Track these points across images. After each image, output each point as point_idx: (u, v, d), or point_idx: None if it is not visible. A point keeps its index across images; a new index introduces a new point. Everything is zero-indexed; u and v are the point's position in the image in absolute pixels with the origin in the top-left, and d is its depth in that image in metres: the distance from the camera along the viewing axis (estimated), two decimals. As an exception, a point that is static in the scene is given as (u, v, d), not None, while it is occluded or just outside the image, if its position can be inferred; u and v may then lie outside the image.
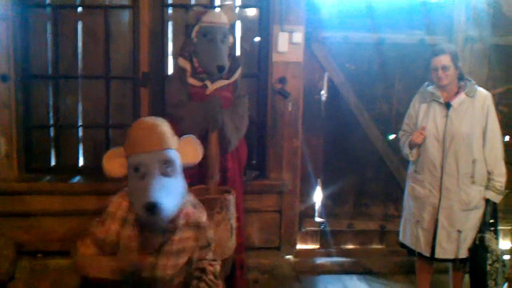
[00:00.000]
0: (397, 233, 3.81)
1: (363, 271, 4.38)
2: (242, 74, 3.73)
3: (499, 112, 4.16)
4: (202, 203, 3.11)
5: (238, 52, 4.18)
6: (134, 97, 4.17)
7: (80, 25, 4.16)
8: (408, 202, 3.67)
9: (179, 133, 2.77)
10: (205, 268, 2.51)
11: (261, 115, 4.26)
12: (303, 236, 4.49)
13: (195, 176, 3.51)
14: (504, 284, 3.38)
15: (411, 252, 3.66)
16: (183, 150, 2.48)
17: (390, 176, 4.47)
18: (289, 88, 4.10)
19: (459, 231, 3.42)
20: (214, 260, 2.61)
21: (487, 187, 3.44)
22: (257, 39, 4.29)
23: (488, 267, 3.38)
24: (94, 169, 4.10)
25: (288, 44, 4.04)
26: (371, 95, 4.43)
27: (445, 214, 3.44)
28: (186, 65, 3.55)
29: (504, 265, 3.41)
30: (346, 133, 4.45)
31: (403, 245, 3.73)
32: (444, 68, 3.39)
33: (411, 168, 3.65)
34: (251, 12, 4.28)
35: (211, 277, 2.50)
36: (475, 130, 3.40)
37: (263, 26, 4.20)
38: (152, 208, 2.22)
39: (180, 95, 3.55)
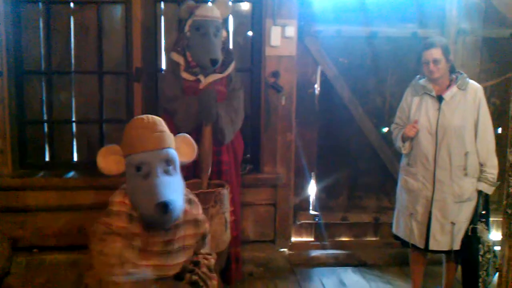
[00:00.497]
0: (391, 225, 3.83)
1: (357, 263, 4.41)
2: (235, 68, 3.73)
3: (492, 105, 4.22)
4: (197, 197, 3.14)
5: (231, 46, 4.18)
6: (127, 92, 4.17)
7: (72, 21, 4.15)
8: (401, 195, 3.69)
9: (174, 127, 2.79)
10: (199, 261, 2.52)
11: (255, 109, 4.27)
12: (298, 229, 4.51)
13: (190, 170, 3.53)
14: (495, 274, 3.41)
15: (404, 243, 3.68)
16: (179, 149, 2.50)
17: (383, 169, 4.49)
18: (282, 82, 4.11)
19: (453, 223, 3.44)
20: (209, 253, 2.62)
21: (479, 179, 3.45)
22: (250, 33, 4.29)
23: (480, 258, 3.41)
24: (88, 164, 4.10)
25: (280, 38, 4.05)
26: (364, 88, 4.44)
27: (439, 207, 3.46)
28: (180, 60, 3.56)
29: (495, 256, 3.44)
30: (340, 127, 4.47)
31: (396, 237, 3.76)
32: (435, 61, 3.40)
33: (403, 161, 3.66)
34: (244, 6, 4.28)
35: (205, 269, 2.50)
36: (467, 123, 3.41)
37: (256, 20, 4.21)
38: (165, 207, 2.23)
39: (174, 90, 3.56)
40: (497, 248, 3.22)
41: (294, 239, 4.47)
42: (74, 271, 3.84)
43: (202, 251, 2.59)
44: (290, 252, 4.34)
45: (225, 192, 3.36)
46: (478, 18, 4.37)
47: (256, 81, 4.26)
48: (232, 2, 4.21)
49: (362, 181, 4.56)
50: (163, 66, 4.22)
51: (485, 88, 3.57)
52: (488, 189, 3.45)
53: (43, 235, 4.03)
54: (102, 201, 2.69)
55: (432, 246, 3.50)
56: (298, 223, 4.49)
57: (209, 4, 3.68)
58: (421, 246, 3.54)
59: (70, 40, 4.16)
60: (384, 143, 4.41)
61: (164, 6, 4.19)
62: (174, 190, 2.34)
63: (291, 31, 4.05)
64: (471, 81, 3.49)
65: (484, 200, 3.49)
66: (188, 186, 3.33)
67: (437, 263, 3.93)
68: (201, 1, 4.06)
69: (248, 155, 4.35)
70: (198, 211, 2.58)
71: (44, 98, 4.20)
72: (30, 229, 4.02)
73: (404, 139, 3.55)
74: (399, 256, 4.35)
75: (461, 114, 3.41)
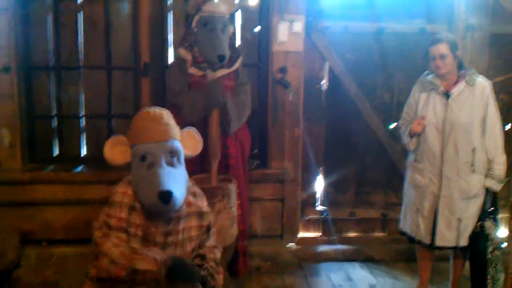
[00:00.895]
0: (398, 220, 3.83)
1: (365, 259, 4.41)
2: (242, 63, 3.74)
3: (500, 101, 4.17)
4: (204, 192, 3.15)
5: (238, 42, 4.19)
6: (135, 87, 4.20)
7: (81, 16, 4.17)
8: (408, 191, 3.69)
9: (181, 121, 2.80)
10: (205, 255, 2.54)
11: (262, 104, 4.28)
12: (305, 224, 4.52)
13: (197, 163, 3.54)
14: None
15: (411, 239, 3.68)
16: (184, 142, 2.52)
17: (391, 164, 4.48)
18: (290, 78, 4.12)
19: (459, 220, 3.44)
20: (215, 246, 2.63)
21: (487, 176, 3.44)
22: (257, 29, 4.30)
23: (489, 255, 3.41)
24: (96, 159, 4.13)
25: (288, 33, 4.05)
26: (371, 84, 4.44)
27: (445, 203, 3.45)
28: (187, 55, 3.57)
29: (504, 253, 3.43)
30: (347, 122, 4.47)
31: (403, 233, 3.76)
32: (442, 56, 3.40)
33: (411, 157, 3.66)
34: (252, 1, 4.28)
35: (212, 263, 2.52)
36: (475, 119, 3.40)
37: (263, 16, 4.22)
38: (166, 196, 2.25)
39: (181, 84, 3.57)
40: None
41: (301, 234, 4.47)
42: (82, 264, 3.85)
43: (208, 244, 2.60)
44: (298, 247, 4.36)
45: (232, 187, 3.36)
46: (486, 14, 4.35)
47: (263, 77, 4.26)
48: (240, -3, 4.23)
49: (369, 177, 4.55)
50: (170, 61, 4.23)
51: (493, 84, 3.55)
52: (496, 186, 3.44)
53: (52, 229, 4.06)
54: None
55: (438, 242, 3.50)
56: (306, 218, 4.49)
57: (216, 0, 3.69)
58: (427, 242, 3.54)
59: (78, 35, 4.19)
60: (391, 138, 4.40)
61: (172, 1, 4.21)
62: (177, 181, 2.36)
63: (298, 26, 4.05)
64: (480, 77, 3.48)
65: (492, 196, 3.48)
66: (196, 180, 3.36)
67: (445, 260, 3.93)
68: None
69: (256, 150, 4.36)
70: (202, 203, 2.59)
71: (53, 93, 4.22)
72: (39, 223, 4.05)
73: (411, 134, 3.55)
74: (406, 252, 4.34)
75: (469, 110, 3.40)
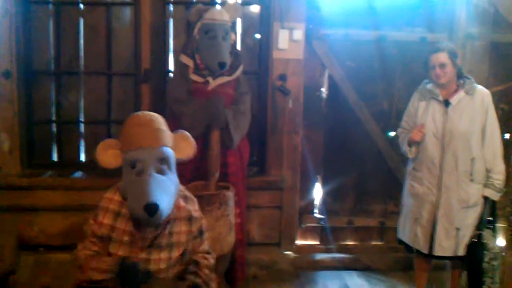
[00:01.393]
0: (397, 229, 3.82)
1: (362, 267, 4.40)
2: (243, 70, 3.75)
3: (499, 110, 4.19)
4: (202, 199, 3.16)
5: (239, 49, 4.20)
6: (135, 94, 4.20)
7: (82, 22, 4.19)
8: (407, 199, 3.68)
9: (179, 127, 2.81)
10: (199, 262, 2.53)
11: (262, 111, 4.28)
12: (303, 232, 4.51)
13: (196, 172, 3.56)
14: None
15: (409, 249, 3.68)
16: (177, 146, 2.51)
17: (390, 173, 4.48)
18: (290, 85, 4.12)
19: (458, 229, 3.43)
20: (208, 252, 2.63)
21: (485, 185, 3.44)
22: (257, 36, 4.31)
23: (485, 265, 3.40)
24: (95, 165, 4.08)
25: (288, 41, 4.06)
26: (371, 92, 4.44)
27: (444, 212, 3.44)
28: (189, 62, 3.58)
29: (501, 263, 3.43)
30: (347, 130, 4.46)
31: (401, 242, 3.75)
32: (442, 65, 3.40)
33: (410, 166, 3.66)
34: (252, 9, 4.29)
35: (206, 271, 2.52)
36: (474, 128, 3.40)
37: (264, 23, 4.22)
38: (152, 209, 2.24)
39: (181, 92, 3.58)
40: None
41: (299, 242, 4.46)
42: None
43: (201, 249, 2.60)
44: (295, 255, 4.34)
45: (230, 194, 3.37)
46: (487, 23, 4.35)
47: (263, 84, 4.27)
48: (241, 4, 4.22)
49: (368, 185, 4.54)
50: (171, 68, 4.24)
51: (493, 93, 3.55)
52: (495, 195, 3.44)
53: (50, 235, 4.05)
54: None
55: (437, 251, 3.49)
56: (304, 226, 4.49)
57: (218, 7, 3.70)
58: (425, 251, 3.53)
59: (79, 41, 4.20)
60: (390, 147, 4.40)
61: (173, 8, 4.22)
62: (164, 190, 2.34)
63: (299, 34, 4.05)
64: (479, 86, 3.48)
65: (490, 206, 3.47)
66: (195, 187, 3.38)
67: (442, 269, 3.92)
68: (210, 4, 4.10)
69: (255, 158, 4.36)
70: (193, 208, 2.59)
71: (52, 98, 4.24)
72: (37, 228, 4.04)
73: (410, 143, 3.55)
74: (404, 261, 4.33)
75: (468, 119, 3.40)
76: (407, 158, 3.68)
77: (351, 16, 4.32)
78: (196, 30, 3.57)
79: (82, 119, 4.28)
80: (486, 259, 3.38)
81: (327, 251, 4.49)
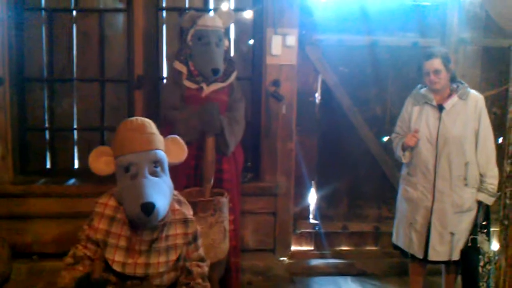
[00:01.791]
0: (391, 234, 3.82)
1: (357, 273, 4.39)
2: (236, 76, 3.75)
3: (493, 114, 4.21)
4: (196, 205, 3.15)
5: (232, 55, 4.21)
6: (129, 100, 4.19)
7: (75, 28, 4.18)
8: (401, 204, 3.68)
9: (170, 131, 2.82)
10: (192, 271, 2.54)
11: (255, 117, 4.28)
12: (298, 238, 4.50)
13: (191, 178, 3.55)
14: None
15: (404, 253, 3.68)
16: (168, 150, 2.54)
17: (383, 178, 4.48)
18: (283, 91, 4.12)
19: (452, 234, 3.44)
20: (202, 259, 2.64)
21: (479, 189, 3.45)
22: (251, 42, 4.31)
23: (480, 269, 3.41)
24: (89, 172, 4.07)
25: (281, 47, 4.06)
26: (364, 97, 4.45)
27: (438, 217, 3.45)
28: (183, 68, 3.58)
29: (495, 267, 3.43)
30: (340, 135, 4.47)
31: (396, 247, 3.75)
32: (436, 71, 3.41)
33: (404, 171, 3.66)
34: (245, 15, 4.30)
35: (199, 280, 2.53)
36: (468, 133, 3.42)
37: (257, 29, 4.23)
38: (149, 208, 2.27)
39: (175, 98, 3.58)
40: (497, 259, 3.22)
41: (293, 248, 4.45)
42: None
43: (195, 256, 2.61)
44: (290, 261, 4.33)
45: (225, 201, 3.36)
46: (479, 28, 4.39)
47: (256, 90, 4.27)
48: (234, 10, 4.23)
49: (362, 190, 4.54)
50: (165, 74, 4.24)
51: (486, 98, 3.57)
52: (488, 200, 3.45)
53: (43, 242, 4.04)
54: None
55: (431, 256, 3.49)
56: (298, 232, 4.48)
57: (211, 13, 3.70)
58: (420, 256, 3.53)
59: (72, 47, 4.20)
60: (384, 152, 4.41)
61: (166, 14, 4.22)
62: (160, 191, 2.37)
63: (292, 40, 4.06)
64: (472, 91, 3.50)
65: (484, 210, 3.48)
66: (189, 194, 3.37)
67: (437, 274, 3.92)
68: (203, 10, 4.10)
69: (249, 163, 4.36)
70: (188, 211, 2.61)
71: (45, 105, 4.23)
72: (30, 236, 4.03)
73: (404, 148, 3.55)
74: (398, 266, 4.33)
75: (462, 123, 3.41)
76: (401, 163, 3.68)
77: (344, 21, 4.33)
78: (189, 37, 3.58)
79: (75, 125, 4.27)
80: (480, 263, 3.39)
81: (322, 256, 4.47)
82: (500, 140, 4.24)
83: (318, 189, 4.51)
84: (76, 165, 4.31)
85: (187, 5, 4.23)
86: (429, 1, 4.36)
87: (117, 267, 2.40)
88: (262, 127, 4.20)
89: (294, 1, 4.07)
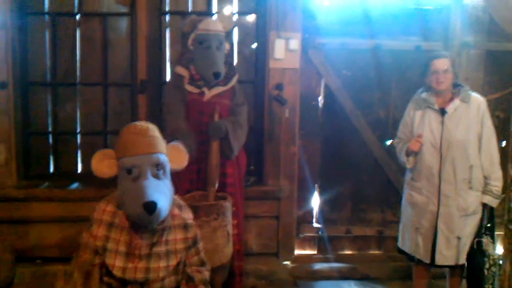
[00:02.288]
0: (395, 238, 3.82)
1: (360, 277, 4.38)
2: (239, 80, 3.75)
3: (495, 118, 4.20)
4: (200, 209, 3.15)
5: (235, 59, 4.22)
6: (132, 104, 4.20)
7: (78, 33, 4.19)
8: (406, 209, 3.67)
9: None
10: (194, 277, 2.55)
11: (258, 121, 4.28)
12: (301, 242, 4.50)
13: (194, 183, 3.55)
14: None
15: (410, 257, 3.67)
16: (170, 156, 2.56)
17: (387, 181, 4.47)
18: (286, 94, 4.12)
19: (459, 238, 3.42)
20: (203, 263, 2.65)
21: (484, 192, 3.44)
22: (254, 45, 4.31)
23: (486, 272, 3.40)
24: (92, 176, 4.06)
25: (284, 50, 4.06)
26: (367, 101, 4.45)
27: (444, 221, 3.44)
28: (184, 73, 3.59)
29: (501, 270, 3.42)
30: (343, 139, 4.46)
31: (401, 251, 3.74)
32: (445, 71, 3.41)
33: (408, 176, 3.65)
34: (248, 19, 4.31)
35: (202, 287, 2.54)
36: (471, 136, 3.41)
37: (260, 33, 4.23)
38: (151, 207, 2.29)
39: (177, 103, 3.58)
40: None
41: (297, 252, 4.44)
42: None
43: (196, 261, 2.61)
44: (293, 265, 4.32)
45: (228, 205, 3.36)
46: (482, 31, 4.39)
47: (260, 93, 4.27)
48: (237, 14, 4.25)
49: (365, 194, 4.54)
50: (168, 79, 4.24)
51: (489, 101, 3.57)
52: (493, 202, 3.44)
53: (47, 246, 4.04)
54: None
55: (438, 260, 3.48)
56: (301, 236, 4.47)
57: (212, 17, 3.70)
58: (427, 260, 3.52)
59: (76, 52, 4.20)
60: (387, 155, 4.40)
61: (169, 18, 4.22)
62: (161, 192, 2.40)
63: (295, 43, 4.06)
64: (474, 94, 3.49)
65: (489, 213, 3.48)
66: (192, 198, 3.37)
67: (441, 277, 3.91)
68: (206, 14, 4.11)
69: (252, 167, 4.35)
70: (188, 215, 2.62)
71: (49, 109, 4.23)
72: (34, 240, 4.03)
73: (408, 153, 3.54)
74: (402, 270, 4.31)
75: (465, 127, 3.41)
76: (404, 167, 3.68)
77: (346, 25, 4.33)
78: (190, 41, 3.59)
79: (78, 130, 4.27)
80: (486, 266, 3.39)
81: (325, 260, 4.47)
82: (504, 143, 4.24)
83: (321, 192, 4.51)
84: (79, 169, 4.31)
85: (190, 9, 4.23)
86: (432, 4, 4.36)
87: (117, 272, 2.41)
88: (265, 131, 4.20)
89: (297, 4, 4.07)
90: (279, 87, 4.11)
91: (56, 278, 3.84)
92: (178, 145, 2.64)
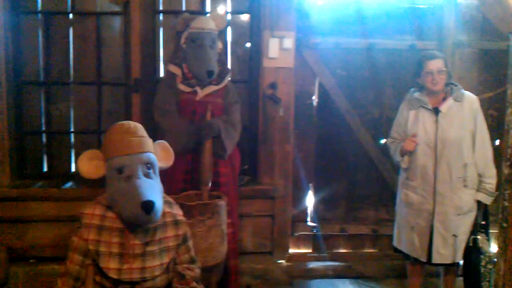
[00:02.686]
0: (390, 236, 3.83)
1: (355, 275, 4.38)
2: (233, 79, 3.75)
3: (489, 116, 4.21)
4: (194, 208, 3.15)
5: (228, 58, 4.22)
6: (126, 103, 4.19)
7: (71, 32, 4.18)
8: (401, 209, 3.68)
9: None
10: (185, 275, 2.54)
11: (253, 120, 4.28)
12: (296, 240, 4.49)
13: (187, 182, 3.54)
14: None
15: (407, 257, 3.68)
16: (157, 154, 2.56)
17: (381, 180, 4.48)
18: (280, 94, 4.12)
19: (455, 236, 3.44)
20: (193, 261, 2.64)
21: (478, 190, 3.46)
22: (248, 44, 4.31)
23: (482, 269, 3.41)
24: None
25: (279, 49, 4.06)
26: (362, 100, 4.45)
27: (440, 220, 3.45)
28: (177, 71, 3.58)
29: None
30: (338, 138, 4.47)
31: (397, 250, 3.74)
32: (440, 72, 3.43)
33: (403, 175, 3.66)
34: (242, 18, 4.31)
35: (194, 284, 2.54)
36: (465, 134, 3.43)
37: (254, 32, 4.23)
38: (149, 206, 2.29)
39: (169, 102, 3.57)
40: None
41: (291, 250, 4.44)
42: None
43: (186, 258, 2.61)
44: (288, 263, 4.32)
45: (222, 204, 3.35)
46: (476, 30, 4.40)
47: (254, 93, 4.26)
48: (231, 13, 4.24)
49: (360, 193, 4.54)
50: (160, 77, 4.23)
51: (483, 100, 3.58)
52: (487, 199, 3.46)
53: (41, 246, 4.02)
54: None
55: (436, 259, 3.49)
56: (296, 234, 4.47)
57: (205, 16, 3.70)
58: (424, 259, 3.53)
59: (69, 51, 4.19)
60: (382, 154, 4.40)
61: (163, 17, 4.22)
62: (155, 191, 2.40)
63: (289, 43, 4.06)
64: (467, 93, 3.51)
65: (483, 210, 3.50)
66: (187, 197, 3.37)
67: (435, 275, 3.92)
68: (199, 13, 4.10)
69: (247, 166, 4.34)
70: (177, 212, 2.62)
71: (42, 108, 4.21)
72: (28, 240, 4.01)
73: (403, 153, 3.55)
74: (397, 268, 4.32)
75: (459, 125, 3.42)
76: (399, 166, 3.68)
77: (341, 24, 4.33)
78: (183, 39, 3.58)
79: (72, 129, 4.26)
80: (482, 263, 3.40)
81: (320, 259, 4.47)
82: (497, 142, 4.25)
83: (316, 191, 4.51)
84: (73, 169, 4.29)
85: (183, 8, 4.23)
86: (426, 3, 4.37)
87: (113, 275, 2.39)
88: (259, 130, 4.19)
89: (291, 4, 4.07)
90: (273, 86, 4.11)
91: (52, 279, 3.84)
92: (164, 143, 2.65)
